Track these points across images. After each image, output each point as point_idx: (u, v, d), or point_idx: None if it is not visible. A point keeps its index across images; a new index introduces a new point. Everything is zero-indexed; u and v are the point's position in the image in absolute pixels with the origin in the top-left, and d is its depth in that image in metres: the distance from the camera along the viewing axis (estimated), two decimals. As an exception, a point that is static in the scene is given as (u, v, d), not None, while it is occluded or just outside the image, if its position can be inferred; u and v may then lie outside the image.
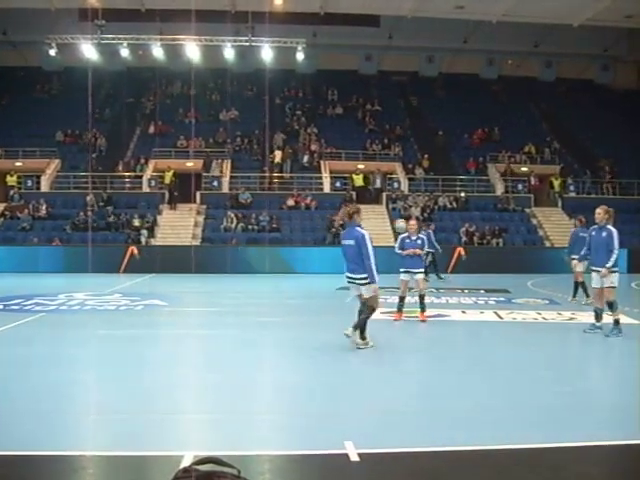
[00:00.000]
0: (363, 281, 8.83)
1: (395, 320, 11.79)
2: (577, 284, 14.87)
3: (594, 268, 10.23)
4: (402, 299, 12.01)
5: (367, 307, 8.92)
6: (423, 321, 11.72)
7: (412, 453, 4.79)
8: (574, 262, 14.09)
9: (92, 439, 5.32)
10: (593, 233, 10.36)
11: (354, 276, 8.93)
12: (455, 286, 19.11)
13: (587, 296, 14.25)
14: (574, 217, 18.25)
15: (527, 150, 33.54)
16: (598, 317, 10.34)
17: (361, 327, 8.92)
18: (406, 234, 12.37)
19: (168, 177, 29.50)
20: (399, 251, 12.21)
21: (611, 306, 10.08)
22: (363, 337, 8.97)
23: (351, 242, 8.90)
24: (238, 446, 4.91)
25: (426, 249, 20.24)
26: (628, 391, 6.61)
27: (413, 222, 12.87)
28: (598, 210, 10.38)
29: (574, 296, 14.97)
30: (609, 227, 10.20)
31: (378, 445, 4.92)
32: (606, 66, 40.06)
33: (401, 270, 12.10)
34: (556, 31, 33.43)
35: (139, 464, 4.63)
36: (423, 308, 11.93)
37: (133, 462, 4.65)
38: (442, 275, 21.53)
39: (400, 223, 14.13)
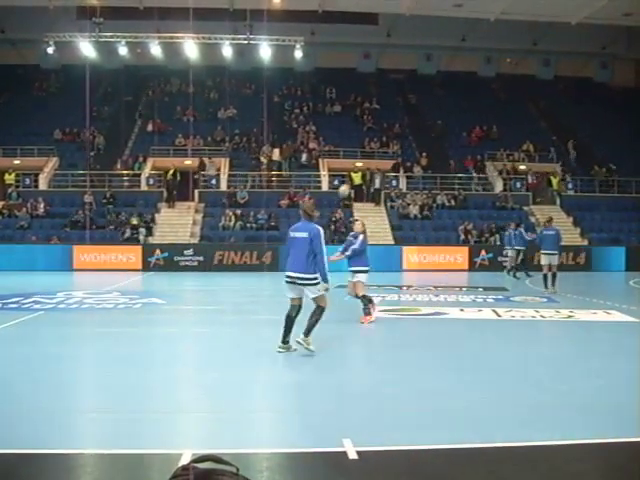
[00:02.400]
0: (307, 282, 8.20)
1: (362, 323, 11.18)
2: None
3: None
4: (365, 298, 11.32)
5: (317, 308, 8.37)
6: (362, 323, 11.05)
7: (410, 451, 4.81)
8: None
9: (91, 437, 5.33)
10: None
11: (298, 276, 8.22)
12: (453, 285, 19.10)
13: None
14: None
15: (525, 148, 33.56)
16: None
17: (310, 329, 8.35)
18: (353, 232, 11.73)
19: (169, 174, 29.48)
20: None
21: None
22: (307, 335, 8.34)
23: (304, 234, 8.22)
24: (237, 444, 4.92)
25: (516, 247, 20.92)
26: (626, 389, 6.62)
27: (359, 223, 11.96)
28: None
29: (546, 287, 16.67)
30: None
31: (376, 443, 4.93)
32: (605, 64, 40.08)
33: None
34: (554, 29, 33.45)
35: (138, 462, 4.64)
36: (366, 311, 11.13)
37: (132, 460, 4.66)
38: (530, 273, 21.36)
39: (343, 188, 13.99)
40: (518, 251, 21.32)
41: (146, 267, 23.96)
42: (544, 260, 16.59)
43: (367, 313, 11.23)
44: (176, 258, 24.28)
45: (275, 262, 24.14)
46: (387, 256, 24.31)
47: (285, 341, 8.44)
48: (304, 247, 8.16)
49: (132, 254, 24.56)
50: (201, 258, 24.48)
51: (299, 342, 8.25)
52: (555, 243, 16.50)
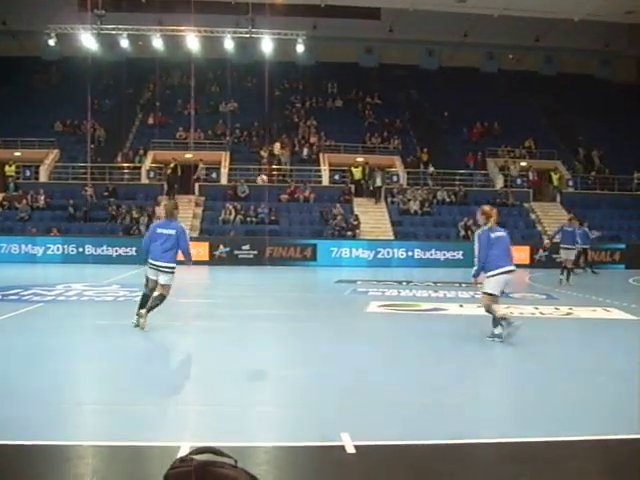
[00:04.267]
0: (167, 270, 9.61)
1: None
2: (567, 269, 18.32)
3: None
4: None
5: (160, 295, 9.67)
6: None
7: (408, 446, 4.81)
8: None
9: (89, 429, 5.33)
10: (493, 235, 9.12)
11: (160, 264, 9.61)
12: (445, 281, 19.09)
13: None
14: (572, 212, 20.78)
15: (527, 145, 33.53)
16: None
17: (150, 309, 9.61)
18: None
19: (170, 168, 29.46)
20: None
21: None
22: (140, 313, 9.55)
23: (172, 232, 9.67)
24: (235, 437, 4.92)
25: (580, 245, 21.39)
26: (625, 387, 6.62)
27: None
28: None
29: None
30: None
31: (375, 437, 4.93)
32: (606, 61, 40.06)
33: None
34: (557, 26, 33.39)
35: (136, 454, 4.64)
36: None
37: (130, 452, 4.66)
38: (596, 270, 22.05)
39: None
40: (583, 249, 21.77)
41: (212, 259, 24.83)
42: (563, 255, 18.35)
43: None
44: (235, 252, 25.10)
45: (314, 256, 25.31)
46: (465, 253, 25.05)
47: (139, 313, 9.62)
48: (171, 241, 9.65)
49: (200, 248, 24.74)
50: (256, 252, 25.12)
51: (138, 316, 9.55)
52: (574, 239, 18.25)
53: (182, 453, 4.30)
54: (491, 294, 9.01)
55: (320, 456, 4.66)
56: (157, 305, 9.67)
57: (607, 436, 5.04)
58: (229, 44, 28.60)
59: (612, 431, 5.13)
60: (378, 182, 29.69)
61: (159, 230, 9.79)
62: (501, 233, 9.14)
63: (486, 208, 9.35)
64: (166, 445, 4.68)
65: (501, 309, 9.27)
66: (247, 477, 1.88)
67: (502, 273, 8.93)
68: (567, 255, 18.22)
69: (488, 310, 9.14)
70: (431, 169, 31.21)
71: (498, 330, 8.99)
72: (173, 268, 9.72)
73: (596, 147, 33.69)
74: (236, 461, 1.90)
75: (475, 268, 9.06)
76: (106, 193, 28.36)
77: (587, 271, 22.28)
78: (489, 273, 8.97)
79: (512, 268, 9.06)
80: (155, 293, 9.75)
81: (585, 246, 21.65)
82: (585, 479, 4.35)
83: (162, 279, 9.66)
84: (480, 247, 8.97)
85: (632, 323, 11.21)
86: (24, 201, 27.60)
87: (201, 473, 1.85)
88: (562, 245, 18.37)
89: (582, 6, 30.17)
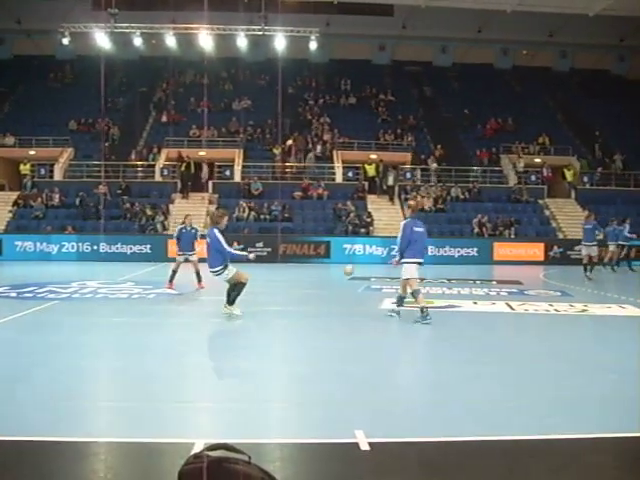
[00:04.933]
0: (215, 274, 10.60)
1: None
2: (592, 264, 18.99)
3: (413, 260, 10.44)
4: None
5: (235, 285, 10.60)
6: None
7: (422, 443, 4.80)
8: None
9: (104, 426, 5.36)
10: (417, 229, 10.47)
11: (210, 269, 10.66)
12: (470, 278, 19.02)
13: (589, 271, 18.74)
14: (587, 209, 21.20)
15: (541, 141, 33.34)
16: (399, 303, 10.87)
17: (233, 300, 10.67)
18: (182, 225, 15.31)
19: (183, 166, 29.56)
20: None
21: (412, 295, 10.54)
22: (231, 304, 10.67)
23: (208, 240, 10.63)
24: (249, 434, 4.93)
25: (621, 242, 21.63)
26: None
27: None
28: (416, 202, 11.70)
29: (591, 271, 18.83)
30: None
31: (389, 434, 4.92)
32: (622, 57, 39.75)
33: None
34: (571, 21, 33.20)
35: (151, 451, 4.65)
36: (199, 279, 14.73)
37: (145, 449, 4.68)
38: (634, 268, 22.42)
39: (348, 268, 12.54)
40: (623, 246, 22.36)
41: None
42: (584, 251, 18.98)
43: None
44: (249, 249, 24.87)
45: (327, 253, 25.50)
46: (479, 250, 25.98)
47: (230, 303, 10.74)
48: (210, 248, 10.59)
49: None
50: (269, 249, 25.14)
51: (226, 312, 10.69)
52: (594, 236, 18.92)
53: (196, 450, 4.31)
54: (408, 279, 10.37)
55: (334, 453, 4.65)
56: (238, 294, 10.70)
57: (623, 434, 5.00)
58: (242, 42, 28.62)
59: (628, 428, 5.09)
60: (390, 181, 29.58)
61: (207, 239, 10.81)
62: (421, 229, 10.49)
63: (412, 203, 11.22)
64: (180, 442, 4.69)
65: (422, 300, 10.44)
66: (260, 473, 1.88)
67: (415, 263, 10.35)
68: (588, 251, 18.80)
69: (404, 293, 10.57)
70: (434, 165, 31.04)
71: (398, 308, 10.71)
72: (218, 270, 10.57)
73: (612, 143, 33.41)
74: (250, 457, 1.90)
75: (395, 252, 10.70)
76: (119, 191, 28.48)
77: (621, 268, 22.40)
78: (406, 260, 10.34)
79: (422, 261, 10.46)
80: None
81: (625, 243, 22.24)
82: (599, 474, 4.32)
83: (222, 280, 10.75)
84: (403, 236, 10.34)
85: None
86: (39, 199, 27.77)
87: (215, 469, 1.85)
88: (583, 242, 19.15)
89: (596, 1, 29.94)
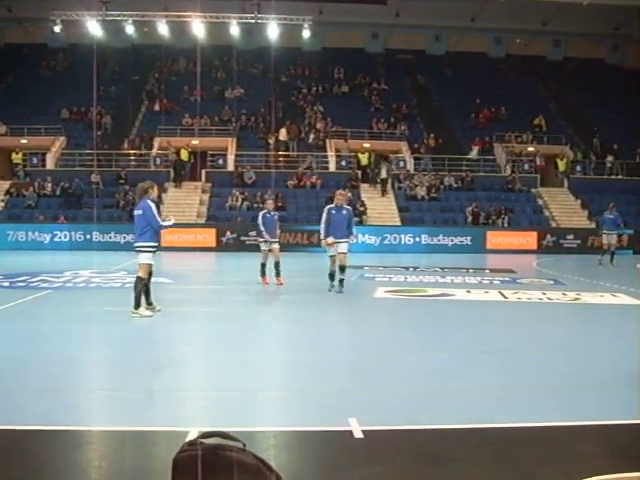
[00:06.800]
0: (138, 249, 9.77)
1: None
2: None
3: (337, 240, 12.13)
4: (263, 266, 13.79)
5: (139, 277, 9.69)
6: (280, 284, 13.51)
7: (416, 430, 4.82)
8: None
9: (98, 414, 5.36)
10: (334, 212, 12.25)
11: (135, 244, 9.90)
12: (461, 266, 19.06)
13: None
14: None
15: (537, 122, 33.25)
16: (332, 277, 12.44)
17: (137, 300, 9.62)
18: (265, 210, 14.14)
19: (185, 154, 29.46)
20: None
21: (342, 269, 12.22)
22: (137, 306, 9.61)
23: (139, 212, 9.77)
24: (243, 422, 4.95)
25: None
26: (631, 372, 6.60)
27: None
28: (339, 195, 12.73)
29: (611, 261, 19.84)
30: (346, 207, 12.56)
31: (382, 422, 4.95)
32: (616, 46, 39.71)
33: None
34: (565, 9, 33.08)
35: (145, 439, 4.66)
36: (278, 273, 13.64)
37: (139, 437, 4.69)
38: None
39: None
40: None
41: (219, 246, 25.01)
42: (605, 239, 20.30)
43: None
44: (242, 238, 25.26)
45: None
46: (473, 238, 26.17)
47: (137, 307, 9.65)
48: (140, 221, 9.74)
49: (207, 234, 25.23)
50: None
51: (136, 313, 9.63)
52: (615, 225, 20.25)
53: (190, 437, 4.32)
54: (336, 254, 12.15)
55: (328, 441, 4.67)
56: (141, 290, 9.76)
57: (614, 421, 5.03)
58: (235, 30, 28.51)
59: (619, 416, 5.12)
60: (383, 174, 29.39)
61: (134, 212, 10.16)
62: (342, 212, 12.22)
63: (336, 193, 13.08)
64: (174, 430, 4.70)
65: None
66: (255, 460, 1.88)
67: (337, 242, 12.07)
68: (609, 240, 20.14)
69: (336, 268, 12.22)
70: (474, 152, 31.06)
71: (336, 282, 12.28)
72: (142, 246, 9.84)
73: (605, 132, 33.44)
74: (244, 445, 1.90)
75: (322, 233, 12.33)
76: (121, 180, 28.27)
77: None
78: (329, 239, 12.07)
79: (341, 240, 12.09)
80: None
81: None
82: (592, 462, 4.35)
83: (139, 259, 9.97)
84: (324, 219, 12.21)
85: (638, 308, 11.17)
86: (31, 188, 27.64)
87: (209, 456, 1.85)
88: (604, 231, 20.39)
89: (590, -11, 29.89)
